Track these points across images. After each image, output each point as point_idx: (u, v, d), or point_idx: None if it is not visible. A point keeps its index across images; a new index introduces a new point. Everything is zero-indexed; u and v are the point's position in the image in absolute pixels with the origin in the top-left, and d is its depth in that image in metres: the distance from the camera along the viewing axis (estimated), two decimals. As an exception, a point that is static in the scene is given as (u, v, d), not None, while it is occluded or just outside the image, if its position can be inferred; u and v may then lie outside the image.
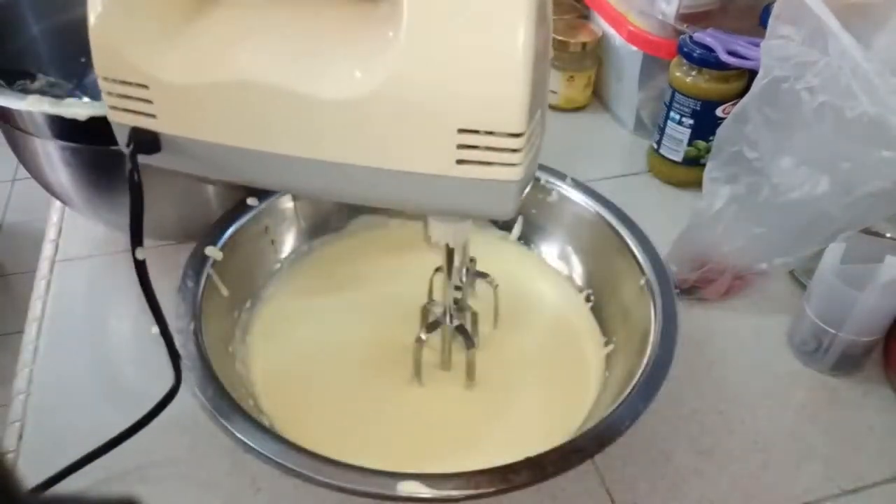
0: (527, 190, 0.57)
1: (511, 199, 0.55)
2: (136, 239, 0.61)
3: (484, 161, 0.53)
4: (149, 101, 0.58)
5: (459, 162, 0.53)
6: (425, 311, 0.77)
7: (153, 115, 0.59)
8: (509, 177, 0.53)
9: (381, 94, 0.52)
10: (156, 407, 0.68)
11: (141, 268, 0.62)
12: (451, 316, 0.72)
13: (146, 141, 0.60)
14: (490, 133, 0.51)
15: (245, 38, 0.56)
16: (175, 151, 0.61)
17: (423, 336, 0.73)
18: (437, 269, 0.73)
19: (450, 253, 0.67)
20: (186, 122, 0.59)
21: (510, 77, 0.49)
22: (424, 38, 0.50)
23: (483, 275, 0.79)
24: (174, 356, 0.66)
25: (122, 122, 0.60)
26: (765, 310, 0.87)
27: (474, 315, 0.77)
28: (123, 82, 0.58)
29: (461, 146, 0.52)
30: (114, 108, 0.60)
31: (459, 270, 0.71)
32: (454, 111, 0.51)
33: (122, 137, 0.61)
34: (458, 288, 0.73)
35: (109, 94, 0.59)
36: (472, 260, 0.75)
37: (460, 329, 0.73)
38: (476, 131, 0.51)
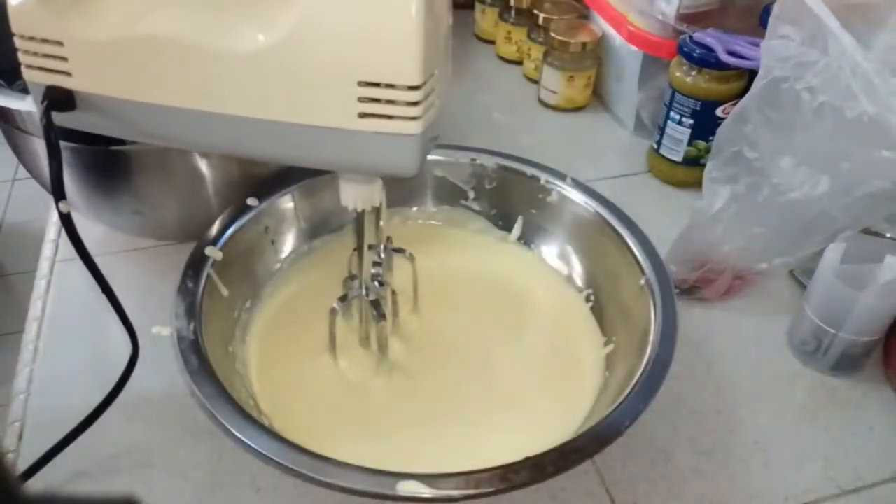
0: (430, 151, 0.60)
1: (413, 154, 0.57)
2: (58, 194, 0.63)
3: (385, 114, 0.55)
4: (64, 59, 0.59)
5: (361, 115, 0.55)
6: (345, 284, 0.77)
7: (68, 73, 0.60)
8: (410, 130, 0.56)
9: (283, 47, 0.54)
10: (119, 381, 0.69)
11: (67, 221, 0.64)
12: (366, 289, 0.74)
13: (61, 99, 0.61)
14: (390, 86, 0.54)
15: None
16: (89, 109, 0.62)
17: (337, 307, 0.74)
18: (355, 250, 0.74)
19: (359, 218, 0.69)
20: (100, 79, 0.60)
21: (405, 30, 0.52)
22: None
23: (400, 250, 0.79)
24: (126, 323, 0.69)
25: (37, 81, 0.61)
26: (765, 310, 0.87)
27: (393, 293, 0.78)
28: (40, 40, 0.59)
29: (362, 99, 0.54)
30: (29, 66, 0.61)
31: (378, 241, 0.73)
32: (354, 64, 0.54)
33: (36, 96, 0.62)
34: (376, 263, 0.74)
35: (25, 52, 0.60)
36: (389, 238, 0.76)
37: (374, 303, 0.73)
38: (376, 84, 0.54)
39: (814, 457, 0.73)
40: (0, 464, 0.40)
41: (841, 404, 0.78)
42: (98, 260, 0.90)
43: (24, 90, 0.85)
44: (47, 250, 0.92)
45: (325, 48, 0.54)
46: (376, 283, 0.74)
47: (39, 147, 0.77)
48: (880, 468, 0.72)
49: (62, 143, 0.74)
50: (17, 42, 0.60)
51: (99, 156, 0.75)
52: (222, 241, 0.76)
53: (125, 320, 0.67)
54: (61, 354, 0.80)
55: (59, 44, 0.58)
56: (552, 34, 1.14)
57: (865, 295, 0.73)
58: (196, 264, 0.73)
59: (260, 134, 0.58)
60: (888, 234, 0.81)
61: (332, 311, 0.74)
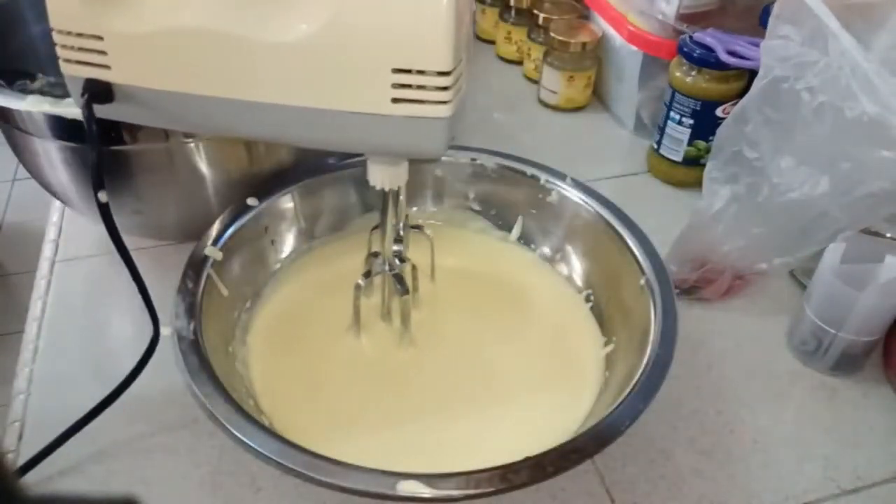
0: (456, 133, 0.63)
1: (442, 137, 0.60)
2: (98, 184, 0.63)
3: (416, 99, 0.58)
4: (103, 53, 0.61)
5: (395, 101, 0.58)
6: (367, 261, 0.79)
7: (107, 66, 0.62)
8: (440, 114, 0.58)
9: (320, 36, 0.57)
10: (140, 362, 0.70)
11: (105, 210, 0.64)
12: (389, 264, 0.76)
13: (100, 91, 0.62)
14: (421, 72, 0.57)
15: None
16: (128, 101, 0.63)
17: (361, 282, 0.76)
18: (374, 228, 0.76)
19: (386, 197, 0.71)
20: (139, 72, 0.62)
21: (437, 19, 0.55)
22: None
23: (418, 227, 0.82)
24: (151, 310, 0.69)
25: (76, 75, 0.63)
26: (764, 310, 0.87)
27: (414, 269, 0.80)
28: (78, 34, 0.60)
29: (395, 85, 0.57)
30: (67, 60, 0.62)
31: (398, 219, 0.74)
32: (388, 52, 0.57)
33: (76, 90, 0.63)
34: (398, 241, 0.76)
35: (64, 46, 0.61)
36: (406, 216, 0.77)
37: (397, 277, 0.76)
38: (409, 70, 0.57)
39: (814, 457, 0.73)
40: (0, 464, 0.40)
41: (841, 404, 0.78)
42: (98, 260, 0.90)
43: (25, 90, 0.85)
44: (47, 250, 0.92)
45: (362, 37, 0.56)
46: (397, 260, 0.76)
47: (39, 147, 0.77)
48: (880, 468, 0.72)
49: (62, 143, 0.74)
50: (56, 37, 0.61)
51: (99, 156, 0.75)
52: (222, 241, 0.77)
53: (150, 308, 0.68)
54: (61, 354, 0.80)
55: (99, 38, 0.60)
56: (552, 34, 1.14)
57: (865, 295, 0.73)
58: (196, 264, 0.73)
59: (296, 120, 0.61)
60: (888, 234, 0.81)
61: (357, 287, 0.76)
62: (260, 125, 0.63)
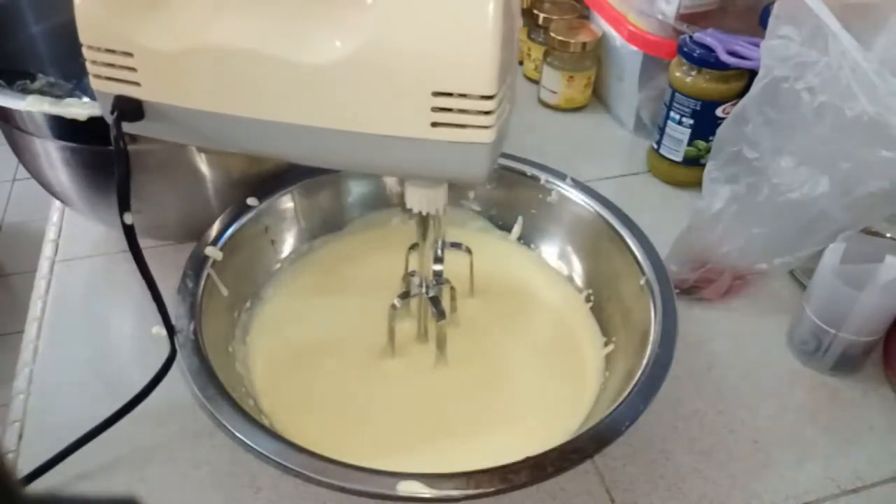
0: (498, 157, 0.60)
1: (484, 162, 0.57)
2: (124, 205, 0.62)
3: (458, 124, 0.55)
4: (133, 69, 0.60)
5: (434, 125, 0.55)
6: (405, 281, 0.78)
7: (137, 83, 0.60)
8: (482, 139, 0.56)
9: (357, 58, 0.54)
10: (153, 379, 0.69)
11: (130, 232, 0.63)
12: (427, 286, 0.74)
13: (130, 109, 0.61)
14: (463, 96, 0.54)
15: (226, 5, 0.57)
16: (158, 119, 0.62)
17: (397, 304, 0.74)
18: (412, 247, 0.75)
19: (424, 221, 0.69)
20: (169, 89, 0.60)
21: (481, 40, 0.52)
22: (400, 2, 0.53)
23: (457, 245, 0.80)
24: (169, 327, 0.68)
25: (106, 91, 0.62)
26: (764, 310, 0.87)
27: (452, 290, 0.79)
28: (108, 51, 0.59)
29: (435, 109, 0.55)
30: (97, 76, 0.61)
31: (435, 241, 0.73)
32: (428, 74, 0.54)
33: (105, 106, 0.62)
34: (437, 260, 0.74)
35: (94, 62, 0.60)
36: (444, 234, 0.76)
37: (433, 300, 0.74)
38: (450, 94, 0.54)
39: (814, 457, 0.73)
40: (0, 464, 0.40)
41: (841, 404, 0.78)
42: (98, 260, 0.90)
43: (25, 90, 0.85)
44: (47, 250, 0.92)
45: (400, 58, 0.54)
46: (435, 282, 0.75)
47: (40, 147, 0.77)
48: (880, 468, 0.72)
49: (62, 143, 0.74)
50: (86, 52, 0.60)
51: (99, 156, 0.75)
52: (222, 241, 0.77)
53: (167, 320, 0.67)
54: (61, 354, 0.80)
55: (129, 55, 0.59)
56: (552, 34, 1.14)
57: (865, 295, 0.73)
58: (196, 264, 0.74)
59: (331, 143, 0.59)
60: (888, 234, 0.81)
61: (392, 307, 0.74)
62: (293, 147, 0.61)
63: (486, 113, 0.54)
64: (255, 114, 0.59)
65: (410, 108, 0.55)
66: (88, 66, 0.61)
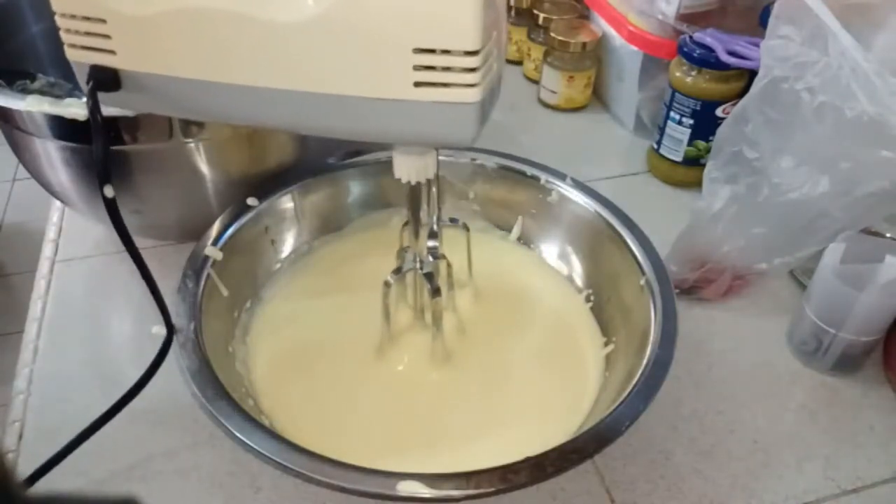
0: (489, 118, 0.58)
1: (471, 124, 0.55)
2: (104, 177, 0.61)
3: (442, 83, 0.53)
4: (107, 37, 0.58)
5: (417, 84, 0.53)
6: (399, 257, 0.76)
7: (112, 52, 0.59)
8: (468, 98, 0.54)
9: (331, 14, 0.52)
10: (151, 366, 0.69)
11: (112, 206, 0.62)
12: (420, 262, 0.72)
13: (106, 79, 0.60)
14: (446, 52, 0.52)
15: None
16: (135, 89, 0.61)
17: (391, 280, 0.72)
18: (405, 224, 0.73)
19: (415, 193, 0.67)
20: (145, 57, 0.59)
21: None
22: None
23: (454, 220, 0.79)
24: (162, 307, 0.67)
25: (81, 62, 0.60)
26: (764, 310, 0.87)
27: (449, 266, 0.77)
28: (82, 18, 0.58)
29: (418, 67, 0.53)
30: (72, 46, 0.60)
31: (430, 214, 0.71)
32: (409, 30, 0.52)
33: (81, 76, 0.61)
34: (432, 235, 0.73)
35: (67, 31, 0.59)
36: (439, 209, 0.74)
37: (428, 276, 0.72)
38: (432, 51, 0.52)
39: (814, 457, 0.73)
40: (0, 464, 0.40)
41: (841, 404, 0.78)
42: (98, 260, 0.90)
43: (25, 90, 0.85)
44: (47, 250, 0.92)
45: (378, 13, 0.52)
46: (430, 258, 0.73)
47: (40, 147, 0.77)
48: (880, 468, 0.72)
49: (62, 143, 0.74)
50: (59, 21, 0.59)
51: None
52: (222, 241, 0.77)
53: (163, 308, 0.67)
54: (61, 354, 0.80)
55: (102, 21, 0.57)
56: (552, 34, 1.14)
57: (865, 295, 0.73)
58: (196, 264, 0.73)
59: (311, 108, 0.57)
60: (888, 234, 0.81)
61: (386, 284, 0.72)
62: (273, 113, 0.59)
63: (471, 70, 0.52)
64: (232, 79, 0.57)
65: (391, 68, 0.53)
66: (62, 35, 0.59)
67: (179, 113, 0.67)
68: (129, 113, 0.71)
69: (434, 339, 0.75)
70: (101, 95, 0.60)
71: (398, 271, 0.74)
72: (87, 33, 0.58)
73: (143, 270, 0.66)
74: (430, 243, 0.73)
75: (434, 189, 0.69)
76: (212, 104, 0.60)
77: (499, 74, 0.58)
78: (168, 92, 0.60)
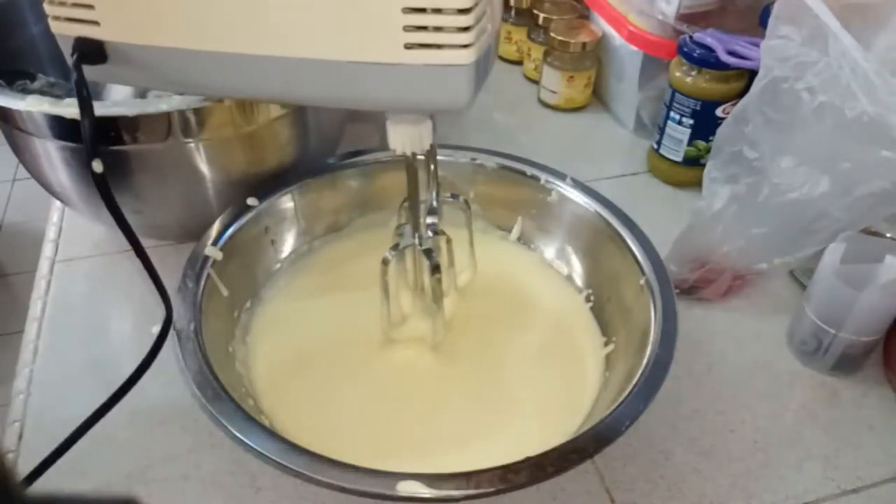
0: (484, 83, 0.56)
1: (465, 87, 0.54)
2: (92, 152, 0.60)
3: (433, 44, 0.52)
4: (90, 7, 0.57)
5: (408, 47, 0.52)
6: (396, 233, 0.75)
7: (96, 23, 0.58)
8: (461, 60, 0.52)
9: None
10: (153, 347, 0.68)
11: (101, 182, 0.61)
12: (420, 239, 0.71)
13: (91, 51, 0.59)
14: (437, 11, 0.50)
15: None
16: (121, 62, 0.60)
17: (389, 256, 0.71)
18: (405, 201, 0.71)
19: (411, 166, 0.66)
20: (129, 27, 0.58)
21: None
22: None
23: (455, 196, 0.78)
24: (161, 290, 0.67)
25: (66, 34, 0.59)
26: (764, 310, 0.87)
27: (449, 242, 0.75)
28: None
29: (408, 28, 0.51)
30: (56, 18, 0.59)
31: (429, 189, 0.70)
32: None
33: (66, 49, 0.60)
34: (431, 211, 0.72)
35: (51, 2, 0.58)
36: (439, 184, 0.72)
37: (427, 252, 0.71)
38: (423, 10, 0.51)
39: (814, 457, 0.73)
40: (0, 464, 0.40)
41: (841, 404, 0.78)
42: (98, 260, 0.90)
43: (25, 90, 0.85)
44: (47, 250, 0.92)
45: None
46: (430, 233, 0.72)
47: (40, 147, 0.77)
48: (880, 468, 0.72)
49: (62, 143, 0.74)
50: None
51: (99, 155, 0.75)
52: (222, 240, 0.77)
53: (157, 282, 0.67)
54: (61, 354, 0.80)
55: None
56: (552, 34, 1.14)
57: (865, 295, 0.73)
58: (196, 264, 0.73)
59: (300, 75, 0.56)
60: (888, 234, 0.81)
61: (384, 261, 0.71)
62: (262, 83, 0.58)
63: (464, 30, 0.51)
64: (218, 46, 0.56)
65: (380, 29, 0.52)
66: (46, 7, 0.59)
67: (168, 86, 0.65)
68: (128, 113, 0.71)
69: (435, 318, 0.74)
70: (88, 70, 0.59)
71: (396, 248, 0.72)
72: (71, 4, 0.58)
73: (136, 247, 0.65)
74: (430, 219, 0.72)
75: (433, 165, 0.68)
76: (199, 75, 0.59)
77: (493, 36, 0.56)
78: (154, 63, 0.59)
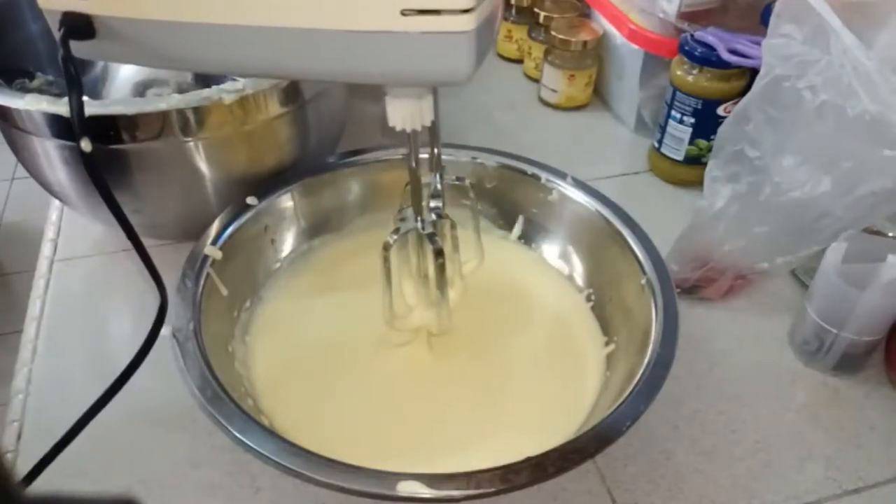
0: (487, 53, 0.54)
1: (466, 56, 0.51)
2: (81, 130, 0.58)
3: (431, 9, 0.49)
4: None
5: (404, 13, 0.49)
6: (396, 218, 0.72)
7: None
8: (461, 26, 0.49)
9: None
10: (148, 337, 0.67)
11: (89, 161, 0.59)
12: (422, 222, 0.69)
13: (79, 25, 0.57)
14: None
15: None
16: (110, 37, 0.58)
17: (391, 240, 0.69)
18: (407, 184, 0.69)
19: (410, 139, 0.63)
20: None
21: None
22: None
23: (461, 179, 0.77)
24: (155, 275, 0.66)
25: (53, 9, 0.57)
26: (766, 309, 0.87)
27: (453, 227, 0.73)
28: None
29: None
30: None
31: (432, 170, 0.68)
32: None
33: (53, 24, 0.58)
34: (435, 194, 0.70)
35: None
36: (443, 167, 0.71)
37: (430, 236, 0.68)
38: None
39: (815, 457, 0.73)
40: (-1, 464, 0.40)
41: (843, 404, 0.78)
42: (97, 259, 0.90)
43: (24, 89, 0.85)
44: (46, 249, 0.92)
45: None
46: (433, 216, 0.70)
47: (38, 146, 0.77)
48: (882, 468, 0.72)
49: (61, 142, 0.74)
50: None
51: (97, 154, 0.75)
52: (222, 240, 0.76)
53: (151, 268, 0.66)
54: (60, 354, 0.80)
55: None
56: (553, 33, 1.14)
57: (867, 294, 0.73)
58: (195, 264, 0.73)
59: (293, 47, 0.53)
60: (890, 234, 0.81)
61: (385, 246, 0.69)
62: (254, 56, 0.55)
63: None
64: (208, 17, 0.54)
65: None
66: None
67: (158, 62, 0.62)
68: (127, 111, 0.71)
69: (439, 307, 0.73)
70: (77, 47, 0.58)
71: (398, 232, 0.70)
72: None
73: (129, 234, 0.64)
74: (433, 203, 0.70)
75: (436, 148, 0.67)
76: (190, 49, 0.57)
77: (495, 4, 0.54)
78: (144, 38, 0.57)
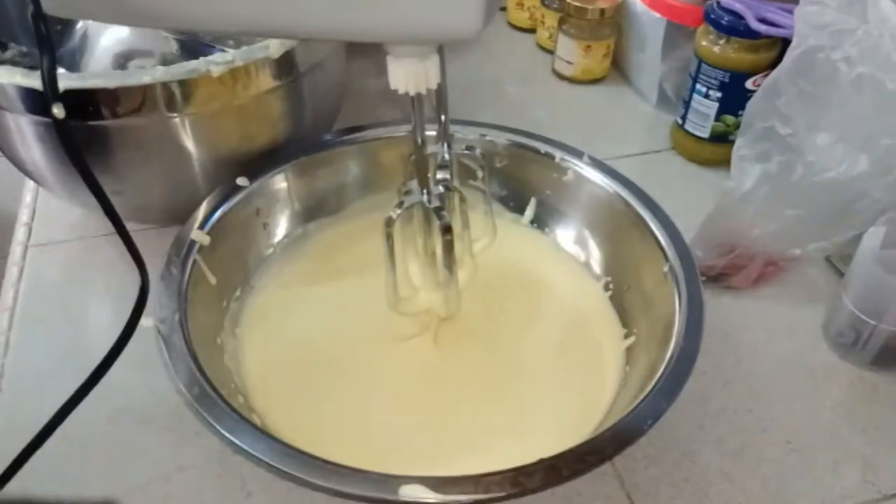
0: (497, 7, 0.53)
1: (473, 8, 0.48)
2: (52, 95, 0.57)
3: None
4: None
5: None
6: (399, 192, 0.70)
7: None
8: None
9: None
10: (126, 327, 0.65)
11: (63, 130, 0.57)
12: (429, 195, 0.67)
13: None
14: None
15: None
16: None
17: (394, 215, 0.67)
18: (412, 155, 0.67)
19: (414, 103, 0.61)
20: None
21: None
22: None
23: (471, 148, 0.76)
24: (138, 260, 0.64)
25: None
26: (798, 299, 0.87)
27: (463, 202, 0.73)
28: None
29: None
30: None
31: (439, 139, 0.68)
32: None
33: None
34: (442, 165, 0.70)
35: None
36: (451, 135, 0.70)
37: (437, 211, 0.67)
38: None
39: (852, 458, 0.73)
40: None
41: (881, 401, 0.78)
42: (75, 245, 0.90)
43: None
44: (20, 234, 0.92)
45: None
46: (441, 188, 0.69)
47: (11, 122, 0.77)
48: (924, 471, 0.72)
49: (36, 118, 0.74)
50: None
51: (76, 132, 0.75)
52: (210, 224, 0.76)
53: (133, 251, 0.65)
54: (35, 347, 0.80)
55: None
56: (568, 0, 1.14)
57: (908, 283, 0.73)
58: (181, 249, 0.73)
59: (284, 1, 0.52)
60: (933, 217, 0.81)
61: (388, 221, 0.67)
62: (242, 11, 0.53)
63: None
64: None
65: None
66: None
67: (137, 20, 0.60)
68: (108, 85, 0.71)
69: (448, 288, 0.72)
70: (48, 2, 0.56)
71: (401, 206, 0.68)
72: None
73: (107, 210, 0.63)
74: (440, 174, 0.70)
75: (443, 115, 0.66)
76: (170, 4, 0.55)
77: None
78: None
